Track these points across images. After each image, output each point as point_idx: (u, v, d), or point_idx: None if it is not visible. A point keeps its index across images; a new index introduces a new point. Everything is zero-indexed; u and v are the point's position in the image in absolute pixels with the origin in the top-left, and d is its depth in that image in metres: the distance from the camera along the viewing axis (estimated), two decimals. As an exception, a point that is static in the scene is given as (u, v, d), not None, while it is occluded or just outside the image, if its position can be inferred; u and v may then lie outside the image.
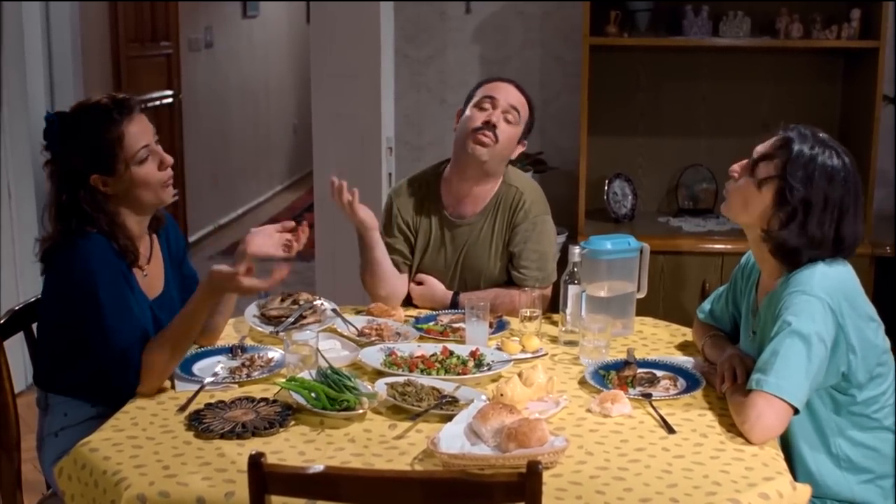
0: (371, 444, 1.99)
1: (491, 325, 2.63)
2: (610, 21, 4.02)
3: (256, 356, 2.43)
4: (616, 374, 2.30)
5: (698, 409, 2.17)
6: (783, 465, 1.93)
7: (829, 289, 2.10)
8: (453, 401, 2.15)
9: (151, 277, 2.45)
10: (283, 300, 2.74)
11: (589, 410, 2.16)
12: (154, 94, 6.47)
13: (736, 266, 2.51)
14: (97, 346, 2.25)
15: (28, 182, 4.52)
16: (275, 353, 2.44)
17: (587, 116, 3.97)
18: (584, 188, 4.04)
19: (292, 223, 2.59)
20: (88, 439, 2.01)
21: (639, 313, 2.75)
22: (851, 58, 4.17)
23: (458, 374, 2.32)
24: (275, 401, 2.17)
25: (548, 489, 1.73)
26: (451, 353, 2.42)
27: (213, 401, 2.18)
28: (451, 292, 2.90)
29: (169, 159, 2.38)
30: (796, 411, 2.04)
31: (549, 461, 1.87)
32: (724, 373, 2.20)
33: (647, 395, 2.21)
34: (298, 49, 9.55)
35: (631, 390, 2.23)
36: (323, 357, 2.28)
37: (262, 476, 1.60)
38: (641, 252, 2.72)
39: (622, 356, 2.39)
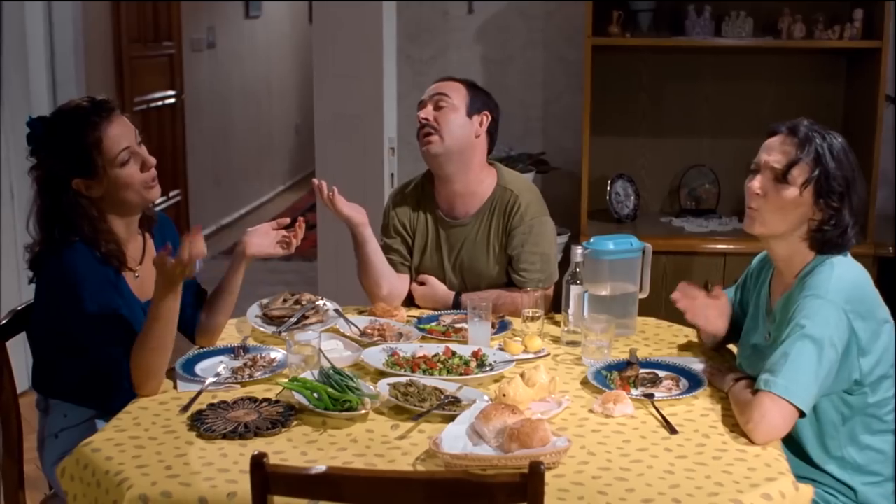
0: (373, 444, 1.99)
1: (493, 326, 2.63)
2: (612, 21, 4.02)
3: (259, 356, 2.43)
4: (618, 375, 2.30)
5: (701, 410, 2.17)
6: (785, 466, 1.93)
7: (844, 293, 2.09)
8: (455, 401, 2.15)
9: (144, 279, 2.43)
10: (285, 300, 2.74)
11: (591, 411, 2.16)
12: (156, 95, 6.48)
13: (744, 271, 2.51)
14: (88, 354, 2.26)
15: (31, 183, 4.52)
16: (277, 354, 2.44)
17: (589, 116, 3.97)
18: (587, 188, 4.04)
19: (287, 220, 2.59)
20: (91, 439, 2.01)
21: (641, 314, 2.74)
22: (854, 58, 4.16)
23: (461, 374, 2.32)
24: (277, 401, 2.17)
25: (550, 490, 1.73)
26: (454, 353, 2.42)
27: (215, 401, 2.18)
28: (453, 293, 2.90)
29: (151, 160, 2.35)
30: (802, 415, 2.04)
31: (551, 462, 1.87)
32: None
33: (650, 396, 2.20)
34: (301, 49, 9.56)
35: (633, 391, 2.23)
36: (325, 357, 2.28)
37: (264, 476, 1.60)
38: (644, 252, 2.72)
39: (624, 356, 2.39)
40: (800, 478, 1.98)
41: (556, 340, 2.64)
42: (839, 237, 2.17)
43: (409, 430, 2.05)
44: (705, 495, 1.79)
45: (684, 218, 4.30)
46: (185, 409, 2.15)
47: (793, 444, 2.17)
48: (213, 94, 7.59)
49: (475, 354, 2.42)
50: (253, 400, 2.18)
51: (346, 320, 2.67)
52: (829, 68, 4.28)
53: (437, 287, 2.92)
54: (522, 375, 2.19)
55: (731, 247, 3.93)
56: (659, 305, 2.97)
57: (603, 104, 4.13)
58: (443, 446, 1.89)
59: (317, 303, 2.75)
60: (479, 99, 2.87)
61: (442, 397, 2.16)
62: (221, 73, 7.79)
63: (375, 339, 2.57)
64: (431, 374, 2.31)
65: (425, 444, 1.97)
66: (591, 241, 2.70)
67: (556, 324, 2.73)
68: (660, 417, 2.11)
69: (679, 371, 2.35)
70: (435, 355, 2.41)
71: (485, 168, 2.90)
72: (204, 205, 7.29)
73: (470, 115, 2.83)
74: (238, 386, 2.29)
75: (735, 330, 2.51)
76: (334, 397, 2.10)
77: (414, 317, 2.80)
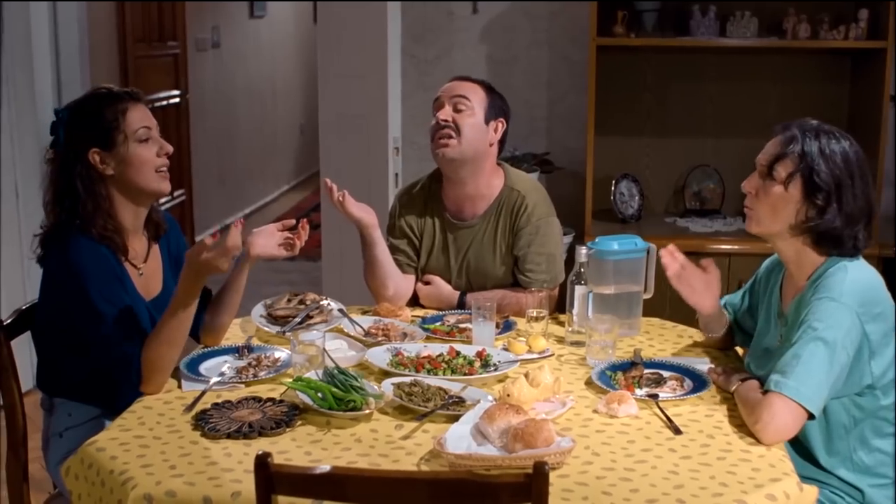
0: (377, 444, 1.99)
1: (497, 326, 2.63)
2: (617, 21, 4.02)
3: (263, 356, 2.43)
4: (623, 375, 2.30)
5: (705, 410, 2.17)
6: (790, 467, 1.93)
7: (857, 296, 2.08)
8: (460, 401, 2.15)
9: (148, 277, 2.44)
10: (289, 300, 2.75)
11: (595, 411, 2.16)
12: (161, 94, 6.48)
13: (752, 276, 2.50)
14: (95, 348, 2.26)
15: (36, 181, 4.53)
16: (281, 353, 2.45)
17: (594, 116, 3.97)
18: (591, 188, 4.04)
19: (292, 221, 2.60)
20: (95, 439, 2.02)
21: (645, 314, 2.74)
22: (859, 58, 4.16)
23: (465, 374, 2.32)
24: (281, 401, 2.17)
25: (554, 490, 1.74)
26: (458, 353, 2.42)
27: (219, 401, 2.18)
28: (457, 292, 2.90)
29: (169, 148, 2.40)
30: (811, 416, 2.03)
31: (555, 462, 1.87)
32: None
33: (654, 396, 2.20)
34: (305, 49, 9.56)
35: (637, 391, 2.23)
36: (329, 357, 2.28)
37: (268, 476, 1.60)
38: (648, 252, 2.71)
39: (629, 357, 2.39)
40: (805, 478, 1.98)
41: (561, 340, 2.63)
42: (833, 238, 2.15)
43: (413, 430, 2.05)
44: (709, 496, 1.79)
45: (689, 218, 4.30)
46: (190, 408, 2.15)
47: (799, 445, 2.17)
48: (217, 93, 7.60)
49: (479, 354, 2.41)
50: (257, 399, 2.18)
51: (351, 320, 2.67)
52: (834, 68, 4.27)
53: (441, 287, 2.92)
54: (527, 375, 2.19)
55: (736, 247, 3.92)
56: (663, 306, 2.97)
57: (607, 104, 4.12)
58: (447, 446, 1.89)
59: (321, 302, 2.75)
60: (496, 105, 2.86)
61: (446, 397, 2.16)
62: (226, 72, 7.79)
63: (380, 338, 2.57)
64: (436, 374, 2.31)
65: (429, 444, 1.97)
66: (596, 241, 2.70)
67: (561, 324, 2.73)
68: (664, 418, 2.11)
69: (683, 371, 2.35)
70: (439, 355, 2.41)
71: (494, 170, 2.90)
72: (208, 204, 7.30)
73: (487, 121, 2.82)
74: (242, 385, 2.29)
75: (740, 334, 2.51)
76: (338, 397, 2.10)
77: (418, 316, 2.80)
